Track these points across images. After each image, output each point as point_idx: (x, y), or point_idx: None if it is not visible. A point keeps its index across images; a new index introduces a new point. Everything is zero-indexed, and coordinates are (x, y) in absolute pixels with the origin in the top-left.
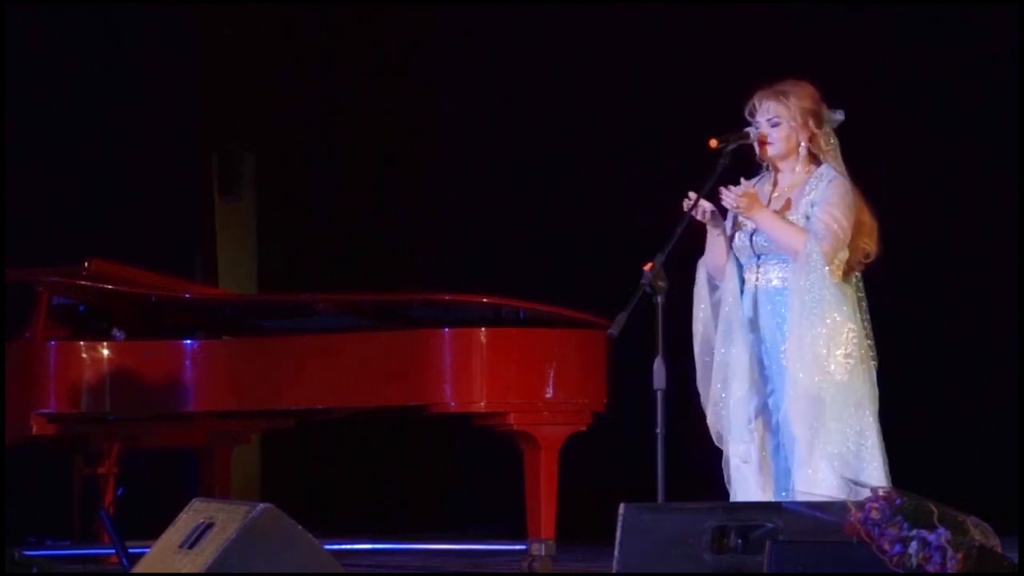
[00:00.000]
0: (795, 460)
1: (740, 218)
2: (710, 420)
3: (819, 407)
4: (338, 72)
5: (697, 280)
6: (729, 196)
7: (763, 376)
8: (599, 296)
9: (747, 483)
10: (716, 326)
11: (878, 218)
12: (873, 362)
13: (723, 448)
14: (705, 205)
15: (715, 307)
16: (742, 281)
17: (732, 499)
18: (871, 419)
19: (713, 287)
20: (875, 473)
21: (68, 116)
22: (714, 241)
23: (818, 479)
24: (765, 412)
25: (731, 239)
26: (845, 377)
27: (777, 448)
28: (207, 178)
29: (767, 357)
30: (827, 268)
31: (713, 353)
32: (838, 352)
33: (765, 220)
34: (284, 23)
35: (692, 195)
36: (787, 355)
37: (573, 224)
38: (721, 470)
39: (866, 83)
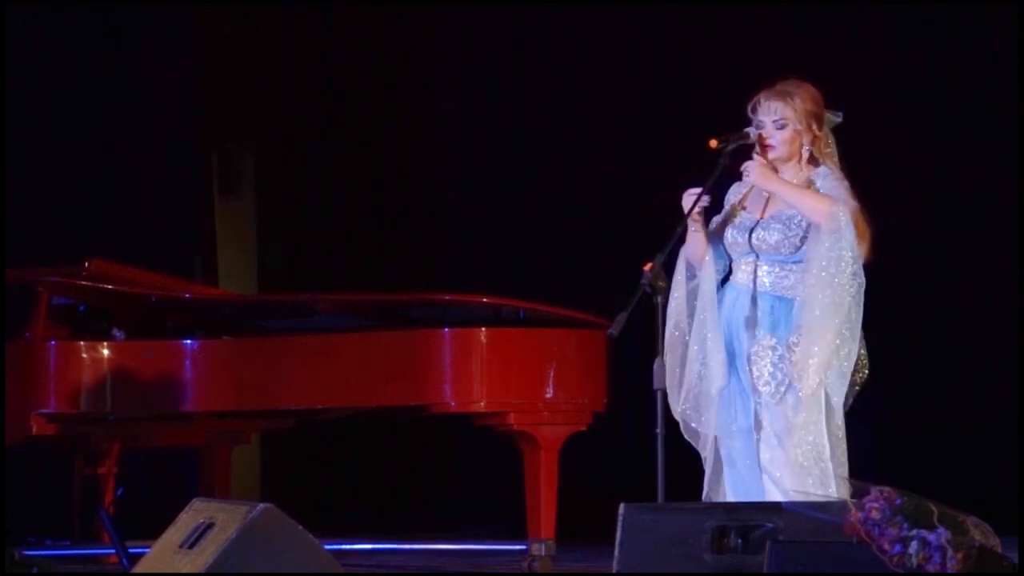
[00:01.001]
0: (763, 461)
1: (738, 211)
2: (679, 409)
3: (796, 409)
4: (338, 72)
5: (676, 267)
6: (752, 166)
7: (744, 374)
8: (599, 296)
9: (742, 479)
10: (688, 314)
11: (874, 224)
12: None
13: (696, 438)
14: (701, 201)
15: (690, 294)
16: (724, 280)
17: (707, 481)
18: (840, 419)
19: (691, 275)
20: (838, 470)
21: (68, 116)
22: (693, 236)
23: (786, 477)
24: (742, 410)
25: (721, 236)
26: (830, 380)
27: (750, 450)
28: (207, 178)
29: (735, 356)
30: (855, 233)
31: (684, 338)
32: (840, 348)
33: (783, 187)
34: (284, 23)
35: (693, 191)
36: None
37: (573, 224)
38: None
39: (866, 83)
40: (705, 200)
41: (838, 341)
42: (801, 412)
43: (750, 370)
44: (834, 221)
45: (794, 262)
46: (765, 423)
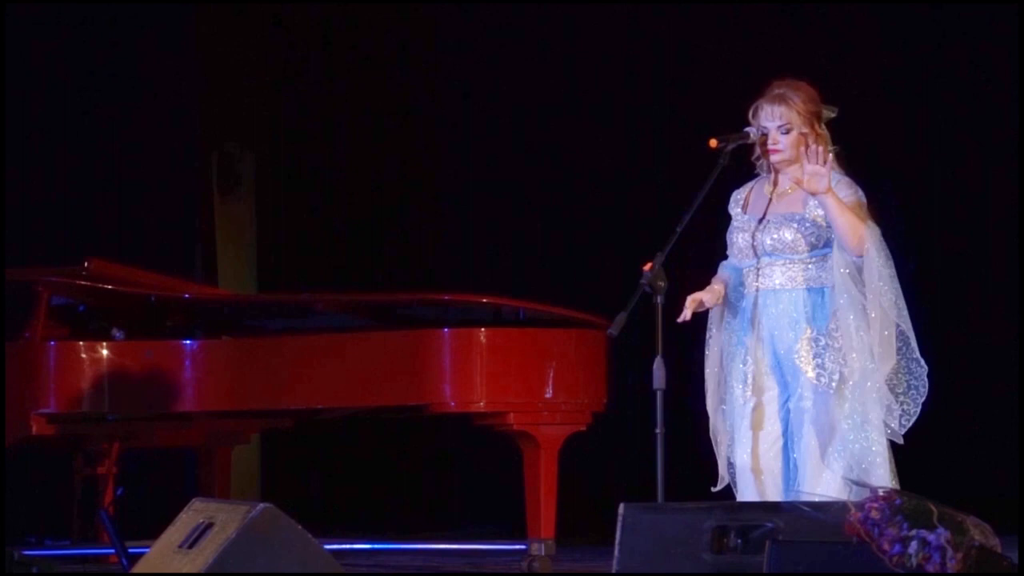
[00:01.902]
0: (803, 460)
1: (743, 220)
2: (714, 427)
3: (837, 407)
4: (338, 72)
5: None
6: (817, 181)
7: (769, 378)
8: (599, 296)
9: (751, 490)
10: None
11: (878, 220)
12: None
13: (725, 453)
14: (689, 311)
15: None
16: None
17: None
18: (878, 421)
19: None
20: (882, 475)
21: (68, 116)
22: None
23: (824, 480)
24: (773, 413)
25: (729, 244)
26: (860, 377)
27: (783, 450)
28: (207, 178)
29: (773, 358)
30: (884, 251)
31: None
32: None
33: (833, 204)
34: (284, 23)
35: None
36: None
37: (573, 224)
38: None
39: (866, 83)
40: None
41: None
42: (855, 398)
43: (798, 367)
44: (867, 254)
45: (812, 257)
46: (815, 415)
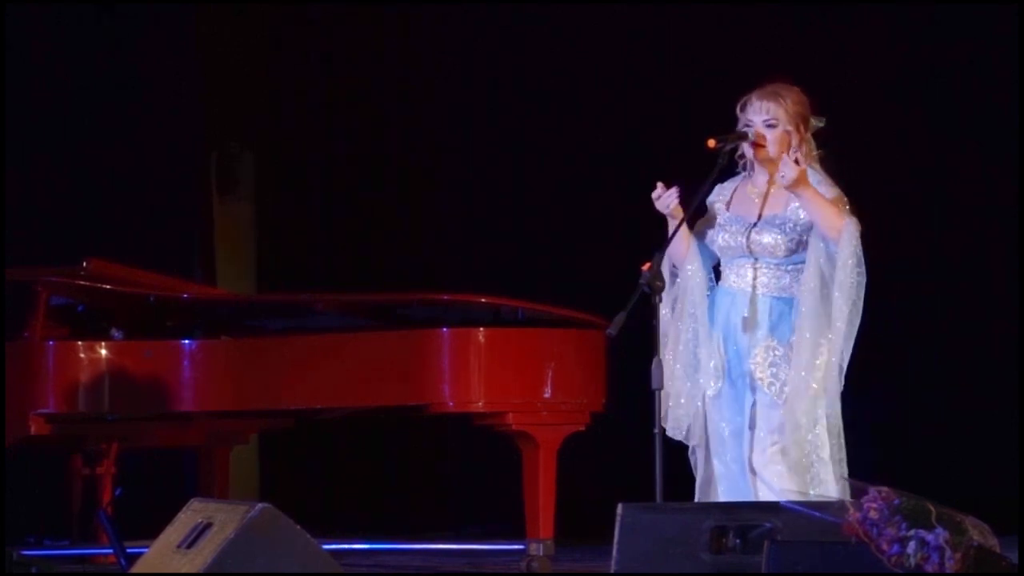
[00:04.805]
0: (756, 464)
1: (724, 213)
2: (675, 415)
3: (813, 408)
4: (338, 72)
5: (661, 272)
6: (789, 167)
7: (743, 375)
8: (598, 296)
9: (735, 482)
10: (677, 317)
11: (866, 222)
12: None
13: (688, 442)
14: (673, 195)
15: (677, 297)
16: (716, 279)
17: (698, 486)
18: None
19: (674, 277)
20: (827, 479)
21: (68, 116)
22: (678, 232)
23: (782, 478)
24: (736, 413)
25: (704, 237)
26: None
27: (741, 452)
28: (207, 178)
29: (735, 356)
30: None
31: (679, 344)
32: (844, 350)
33: (811, 195)
34: (284, 23)
35: (661, 186)
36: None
37: (573, 224)
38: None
39: (865, 83)
40: (674, 194)
41: (841, 342)
42: (804, 410)
43: (752, 371)
44: (849, 240)
45: (791, 264)
46: (762, 423)
